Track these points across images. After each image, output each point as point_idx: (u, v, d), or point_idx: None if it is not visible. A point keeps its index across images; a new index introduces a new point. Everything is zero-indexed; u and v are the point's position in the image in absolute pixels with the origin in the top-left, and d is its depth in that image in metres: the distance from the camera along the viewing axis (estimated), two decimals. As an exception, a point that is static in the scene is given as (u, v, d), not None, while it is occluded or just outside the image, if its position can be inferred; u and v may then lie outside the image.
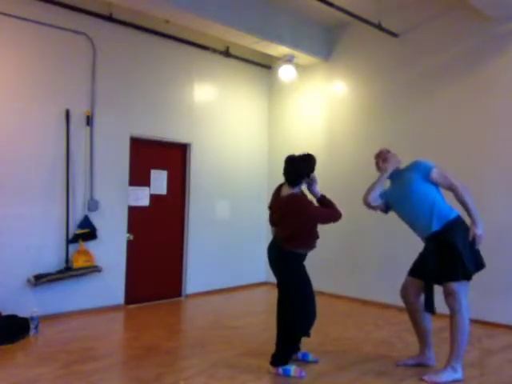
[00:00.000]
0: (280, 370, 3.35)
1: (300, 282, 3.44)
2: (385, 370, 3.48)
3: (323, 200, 3.50)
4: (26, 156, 4.62)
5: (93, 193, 5.06)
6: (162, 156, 5.81)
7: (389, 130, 5.64)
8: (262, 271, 6.56)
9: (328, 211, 3.43)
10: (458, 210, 3.36)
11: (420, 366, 3.53)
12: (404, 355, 3.76)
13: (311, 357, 3.64)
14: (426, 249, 3.42)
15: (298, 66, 6.27)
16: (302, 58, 6.22)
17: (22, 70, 4.64)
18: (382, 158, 3.57)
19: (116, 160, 5.27)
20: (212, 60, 6.19)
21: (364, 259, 5.83)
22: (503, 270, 4.66)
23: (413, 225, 3.46)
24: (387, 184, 3.60)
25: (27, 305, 4.41)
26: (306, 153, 3.48)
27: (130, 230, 5.41)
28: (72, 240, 4.87)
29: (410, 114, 5.53)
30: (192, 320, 5.20)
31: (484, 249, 3.34)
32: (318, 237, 3.46)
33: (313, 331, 3.55)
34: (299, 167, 3.41)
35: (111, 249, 5.20)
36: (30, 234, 4.63)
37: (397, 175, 3.52)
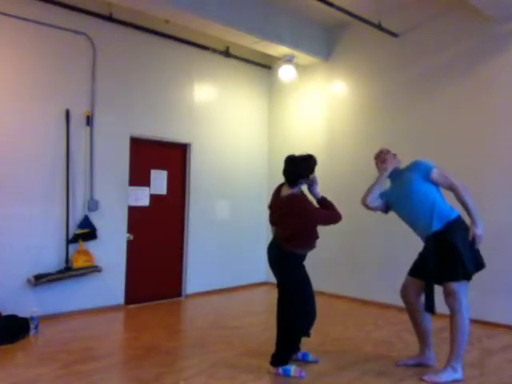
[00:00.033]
0: (280, 369, 3.35)
1: (300, 282, 3.44)
2: (385, 370, 3.48)
3: (324, 202, 3.50)
4: (26, 156, 4.63)
5: (93, 193, 5.06)
6: (162, 156, 5.81)
7: (389, 129, 5.65)
8: (262, 271, 6.56)
9: (328, 213, 3.43)
10: (459, 210, 3.37)
11: (420, 365, 3.53)
12: (404, 355, 3.76)
13: (311, 357, 3.64)
14: (425, 249, 3.41)
15: (298, 66, 6.27)
16: (302, 57, 6.22)
17: (22, 70, 4.64)
18: (380, 159, 3.58)
19: (116, 160, 5.27)
20: (212, 60, 6.20)
21: (364, 259, 5.83)
22: (503, 270, 4.66)
23: (413, 225, 3.46)
24: (387, 184, 3.61)
25: (27, 305, 4.41)
26: (306, 153, 3.48)
27: (129, 229, 5.41)
28: (72, 240, 4.87)
29: (409, 114, 5.53)
30: (192, 320, 5.20)
31: (484, 249, 3.34)
32: (317, 237, 3.46)
33: (313, 331, 3.55)
34: (299, 167, 3.40)
35: (111, 249, 5.20)
36: (29, 234, 4.63)
37: (397, 175, 3.52)
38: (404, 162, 3.57)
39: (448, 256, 3.23)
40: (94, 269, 4.95)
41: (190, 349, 3.98)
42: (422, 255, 3.48)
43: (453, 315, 3.26)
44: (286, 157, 3.48)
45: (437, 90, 5.32)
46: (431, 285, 3.31)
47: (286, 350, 3.42)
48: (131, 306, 5.34)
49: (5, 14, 4.49)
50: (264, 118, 6.95)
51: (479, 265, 3.31)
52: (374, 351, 3.93)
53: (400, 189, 3.47)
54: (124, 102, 5.35)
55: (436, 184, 3.36)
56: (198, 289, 6.01)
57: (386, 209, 3.63)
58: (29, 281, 4.57)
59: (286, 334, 3.41)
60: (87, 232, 4.97)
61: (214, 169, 6.26)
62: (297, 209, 3.34)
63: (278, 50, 5.98)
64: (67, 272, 4.77)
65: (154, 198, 5.69)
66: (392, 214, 3.64)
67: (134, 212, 5.47)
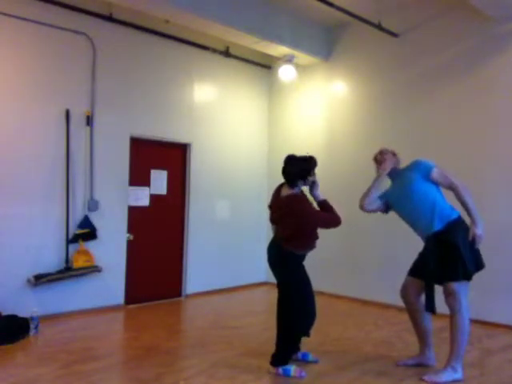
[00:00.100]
0: (280, 369, 3.35)
1: (300, 282, 3.44)
2: (385, 370, 3.48)
3: (324, 204, 3.48)
4: (26, 156, 4.63)
5: (93, 193, 5.06)
6: (162, 156, 5.81)
7: (389, 129, 5.65)
8: (262, 271, 6.56)
9: (328, 215, 3.40)
10: (459, 210, 3.37)
11: (420, 365, 3.53)
12: (404, 355, 3.76)
13: (311, 357, 3.64)
14: (426, 248, 3.41)
15: (298, 66, 6.27)
16: (302, 57, 6.22)
17: (22, 70, 4.64)
18: (377, 161, 3.57)
19: (116, 160, 5.27)
20: (212, 60, 6.20)
21: (364, 259, 5.83)
22: (503, 270, 4.66)
23: (413, 224, 3.46)
24: (387, 184, 3.60)
25: (27, 305, 4.41)
26: (307, 154, 3.48)
27: (129, 229, 5.41)
28: (72, 240, 4.87)
29: (409, 114, 5.53)
30: (192, 320, 5.20)
31: (484, 249, 3.34)
32: (317, 237, 3.46)
33: (313, 331, 3.54)
34: (298, 167, 3.40)
35: (111, 249, 5.20)
36: (29, 234, 4.63)
37: (397, 175, 3.52)
38: (404, 162, 3.57)
39: (448, 256, 3.23)
40: (94, 269, 4.95)
41: (190, 349, 3.98)
42: (422, 255, 3.48)
43: (453, 315, 3.26)
44: (286, 156, 3.47)
45: (437, 90, 5.32)
46: (431, 285, 3.31)
47: (286, 350, 3.42)
48: (131, 306, 5.34)
49: (5, 14, 4.49)
50: (264, 118, 6.95)
51: (479, 265, 3.31)
52: (373, 351, 3.93)
53: (400, 189, 3.47)
54: (124, 102, 5.35)
55: (436, 184, 3.36)
56: (197, 289, 6.01)
57: (386, 209, 3.62)
58: (29, 281, 4.57)
59: (286, 334, 3.41)
60: (87, 232, 4.97)
61: (214, 169, 6.26)
62: (296, 209, 3.33)
63: (278, 49, 5.98)
64: (67, 272, 4.77)
65: (154, 198, 5.69)
66: (392, 214, 3.64)
67: (133, 212, 5.47)
